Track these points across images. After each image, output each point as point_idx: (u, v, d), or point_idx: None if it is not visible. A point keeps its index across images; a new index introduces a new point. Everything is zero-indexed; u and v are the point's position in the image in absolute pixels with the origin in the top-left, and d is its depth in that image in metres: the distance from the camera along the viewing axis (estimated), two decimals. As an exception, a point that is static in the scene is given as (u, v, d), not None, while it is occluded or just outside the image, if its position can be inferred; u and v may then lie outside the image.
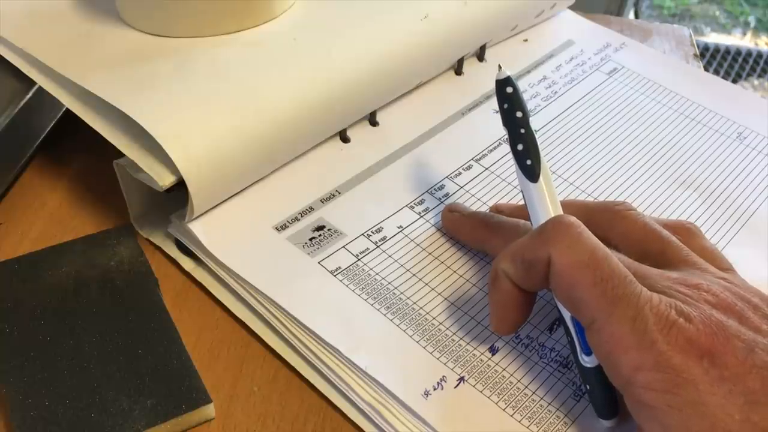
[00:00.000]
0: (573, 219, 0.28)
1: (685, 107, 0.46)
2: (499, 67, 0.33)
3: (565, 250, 0.27)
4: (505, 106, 0.32)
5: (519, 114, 0.32)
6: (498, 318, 0.30)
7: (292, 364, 0.32)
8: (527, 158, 0.31)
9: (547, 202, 0.31)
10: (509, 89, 0.32)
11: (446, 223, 0.36)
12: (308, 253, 0.35)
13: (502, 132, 0.32)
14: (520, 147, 0.32)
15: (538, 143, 0.32)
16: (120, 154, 0.34)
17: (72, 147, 0.42)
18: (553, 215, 0.30)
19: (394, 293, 0.33)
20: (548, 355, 0.32)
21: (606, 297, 0.26)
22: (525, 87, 0.47)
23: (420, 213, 0.37)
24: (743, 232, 0.38)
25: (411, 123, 0.42)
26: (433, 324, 0.32)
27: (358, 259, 0.35)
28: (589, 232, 0.28)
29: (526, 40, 0.51)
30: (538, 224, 0.30)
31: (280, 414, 0.31)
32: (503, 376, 0.31)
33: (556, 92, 0.47)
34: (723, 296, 0.26)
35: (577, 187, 0.40)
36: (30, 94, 0.39)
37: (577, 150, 0.42)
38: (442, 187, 0.39)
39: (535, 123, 0.44)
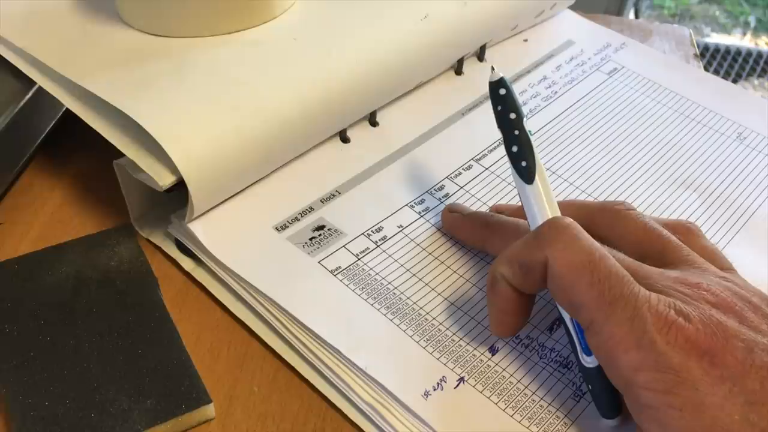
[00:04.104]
0: (569, 220, 0.28)
1: (685, 107, 0.46)
2: (492, 68, 0.32)
3: (561, 251, 0.27)
4: (499, 108, 0.32)
5: (513, 116, 0.32)
6: (497, 321, 0.30)
7: (292, 364, 0.32)
8: (522, 160, 0.31)
9: (543, 204, 0.31)
10: (502, 91, 0.32)
11: (446, 223, 0.36)
12: (308, 253, 0.35)
13: (502, 132, 0.32)
14: (514, 149, 0.32)
15: (535, 144, 0.32)
16: (120, 154, 0.34)
17: (72, 147, 0.42)
18: (550, 217, 0.30)
19: (394, 293, 0.33)
20: (548, 355, 0.32)
21: (604, 298, 0.26)
22: (525, 87, 0.47)
23: (420, 213, 0.37)
24: (743, 232, 0.38)
25: (411, 123, 0.42)
26: (433, 324, 0.32)
27: (358, 259, 0.35)
28: (586, 233, 0.28)
29: (526, 40, 0.51)
30: (535, 226, 0.30)
31: (280, 414, 0.31)
32: (503, 377, 0.31)
33: (556, 92, 0.47)
34: (723, 296, 0.26)
35: (577, 187, 0.40)
36: (30, 94, 0.39)
37: (577, 150, 0.42)
38: (442, 188, 0.39)
39: (535, 123, 0.44)
